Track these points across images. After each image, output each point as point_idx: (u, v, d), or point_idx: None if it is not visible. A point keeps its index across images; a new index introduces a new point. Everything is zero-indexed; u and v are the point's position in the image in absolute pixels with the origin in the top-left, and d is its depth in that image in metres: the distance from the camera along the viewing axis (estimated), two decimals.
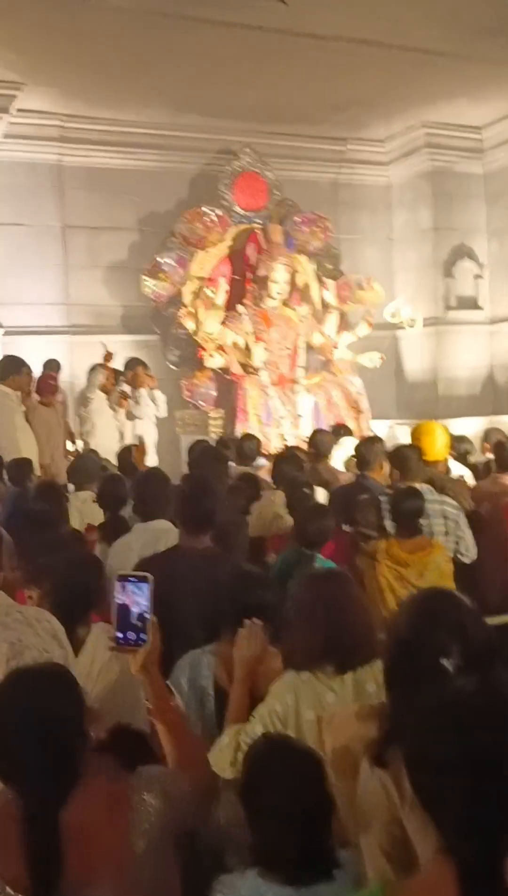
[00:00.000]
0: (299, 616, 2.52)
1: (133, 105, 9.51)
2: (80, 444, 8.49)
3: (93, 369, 9.11)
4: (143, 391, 9.08)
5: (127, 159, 10.18)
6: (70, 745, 1.63)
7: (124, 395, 8.61)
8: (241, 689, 2.59)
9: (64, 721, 1.64)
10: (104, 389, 8.84)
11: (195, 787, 1.79)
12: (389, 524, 4.36)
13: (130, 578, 1.89)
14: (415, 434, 5.42)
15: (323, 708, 2.34)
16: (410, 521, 4.20)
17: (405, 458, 4.75)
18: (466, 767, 1.28)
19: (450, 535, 4.51)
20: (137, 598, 1.88)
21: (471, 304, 11.14)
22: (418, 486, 4.44)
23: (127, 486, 5.26)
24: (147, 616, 1.88)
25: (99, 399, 8.81)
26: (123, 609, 1.88)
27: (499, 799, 1.26)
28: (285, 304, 9.85)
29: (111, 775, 1.67)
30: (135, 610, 1.88)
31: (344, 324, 10.15)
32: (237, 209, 10.00)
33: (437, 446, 5.34)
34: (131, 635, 1.87)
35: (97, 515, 5.03)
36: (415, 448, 4.91)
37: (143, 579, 1.89)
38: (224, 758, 2.39)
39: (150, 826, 1.62)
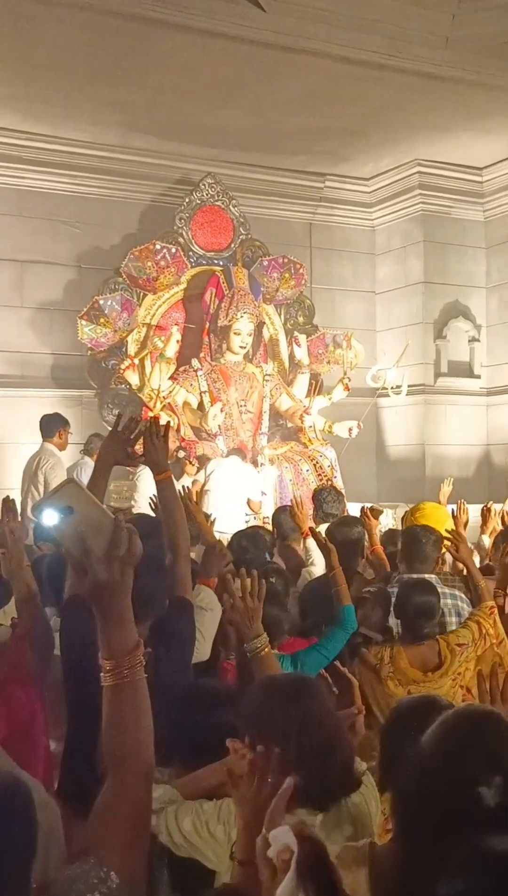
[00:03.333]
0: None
1: (78, 122, 9.46)
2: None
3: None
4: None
5: (67, 183, 10.12)
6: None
7: (189, 461, 8.41)
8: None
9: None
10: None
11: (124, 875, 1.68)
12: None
13: None
14: (428, 517, 5.18)
15: None
16: (416, 622, 3.91)
17: (419, 543, 4.49)
18: None
19: None
20: None
21: (465, 371, 11.16)
22: (427, 577, 4.18)
23: None
24: None
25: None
26: None
27: None
28: (249, 359, 9.72)
29: None
30: None
31: (317, 386, 10.04)
32: (196, 248, 9.95)
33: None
34: None
35: None
36: (431, 531, 4.63)
37: None
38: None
39: None
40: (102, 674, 1.76)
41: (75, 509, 1.68)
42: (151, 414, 9.00)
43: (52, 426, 8.49)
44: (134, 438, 3.39)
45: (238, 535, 5.36)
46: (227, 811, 2.41)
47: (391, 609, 4.20)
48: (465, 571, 4.41)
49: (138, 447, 3.44)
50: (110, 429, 3.52)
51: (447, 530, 4.57)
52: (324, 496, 6.58)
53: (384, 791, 2.31)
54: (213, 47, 7.85)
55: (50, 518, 1.67)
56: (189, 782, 2.55)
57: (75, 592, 3.01)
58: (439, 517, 5.30)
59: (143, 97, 8.90)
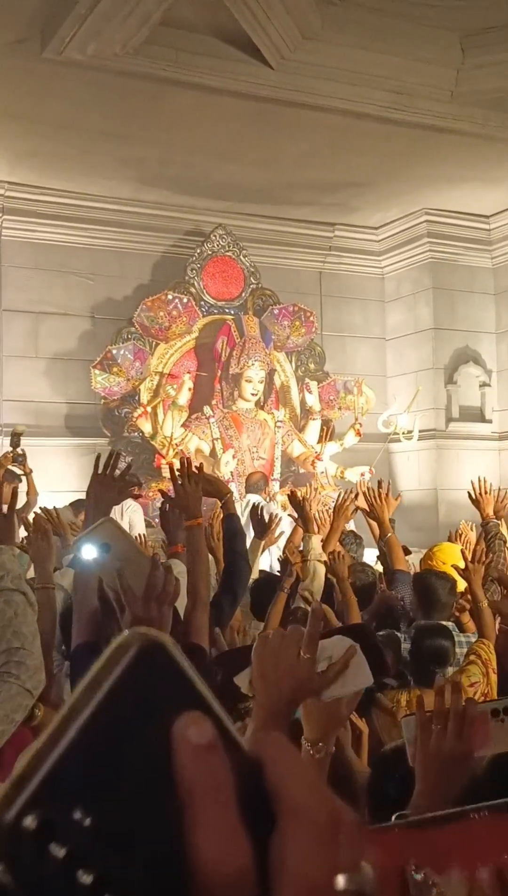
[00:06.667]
0: None
1: (92, 177, 9.73)
2: None
3: None
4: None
5: (81, 236, 10.36)
6: None
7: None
8: None
9: None
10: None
11: None
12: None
13: None
14: (445, 553, 5.26)
15: None
16: (430, 668, 3.95)
17: (433, 592, 4.53)
18: None
19: None
20: None
21: (477, 415, 11.27)
22: (444, 624, 4.25)
23: None
24: None
25: None
26: None
27: None
28: (260, 406, 9.86)
29: None
30: None
31: (329, 432, 10.17)
32: (207, 297, 10.15)
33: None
34: None
35: None
36: (446, 579, 4.66)
37: None
38: None
39: None
40: None
41: (112, 546, 1.70)
42: (170, 456, 9.14)
43: None
44: (120, 475, 3.14)
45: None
46: None
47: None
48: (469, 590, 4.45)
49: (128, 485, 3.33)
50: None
51: (455, 566, 4.63)
52: (346, 540, 6.65)
53: None
54: (222, 104, 8.11)
55: (88, 553, 1.71)
56: None
57: (84, 640, 2.86)
58: (455, 553, 5.32)
59: (155, 153, 9.18)
